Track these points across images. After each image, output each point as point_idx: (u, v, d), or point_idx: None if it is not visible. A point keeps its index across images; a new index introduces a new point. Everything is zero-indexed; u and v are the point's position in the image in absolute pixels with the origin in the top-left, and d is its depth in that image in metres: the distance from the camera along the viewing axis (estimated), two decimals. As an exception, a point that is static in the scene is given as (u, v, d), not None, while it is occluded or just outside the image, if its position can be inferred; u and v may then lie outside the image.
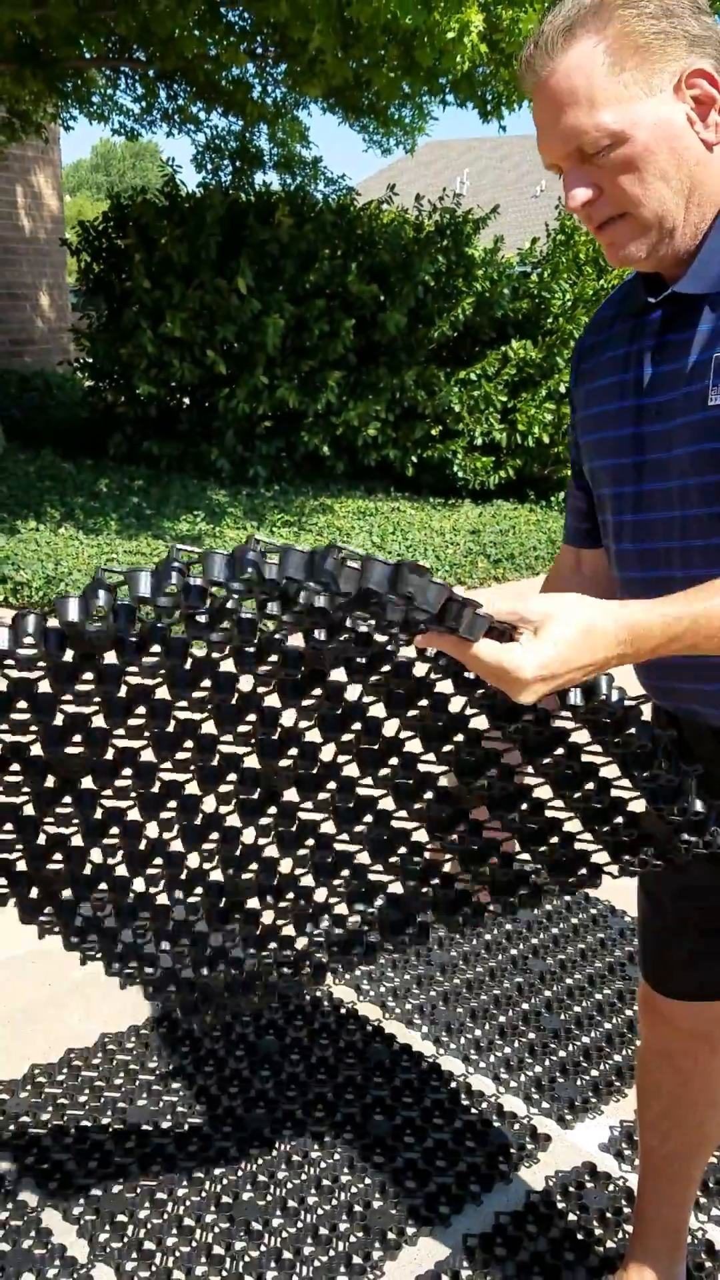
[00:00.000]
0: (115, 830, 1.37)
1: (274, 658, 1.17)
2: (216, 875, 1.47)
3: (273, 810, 1.36)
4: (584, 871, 1.39)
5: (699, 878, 1.42)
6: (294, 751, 1.29)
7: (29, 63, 6.60)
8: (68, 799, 1.31)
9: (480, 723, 1.26)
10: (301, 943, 1.52)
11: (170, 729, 1.24)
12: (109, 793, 1.31)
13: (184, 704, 1.20)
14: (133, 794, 1.32)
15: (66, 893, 1.42)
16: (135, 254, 7.15)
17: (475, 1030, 2.38)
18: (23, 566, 5.30)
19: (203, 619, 1.06)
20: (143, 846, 1.40)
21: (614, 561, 1.39)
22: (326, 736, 1.26)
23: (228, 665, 1.18)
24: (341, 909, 1.50)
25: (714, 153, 1.18)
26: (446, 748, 1.29)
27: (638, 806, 1.33)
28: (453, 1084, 2.21)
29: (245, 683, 1.21)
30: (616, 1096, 2.21)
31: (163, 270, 7.12)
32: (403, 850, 1.40)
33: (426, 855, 1.43)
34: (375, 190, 8.72)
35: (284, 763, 1.30)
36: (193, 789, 1.35)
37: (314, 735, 1.28)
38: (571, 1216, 1.92)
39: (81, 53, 7.14)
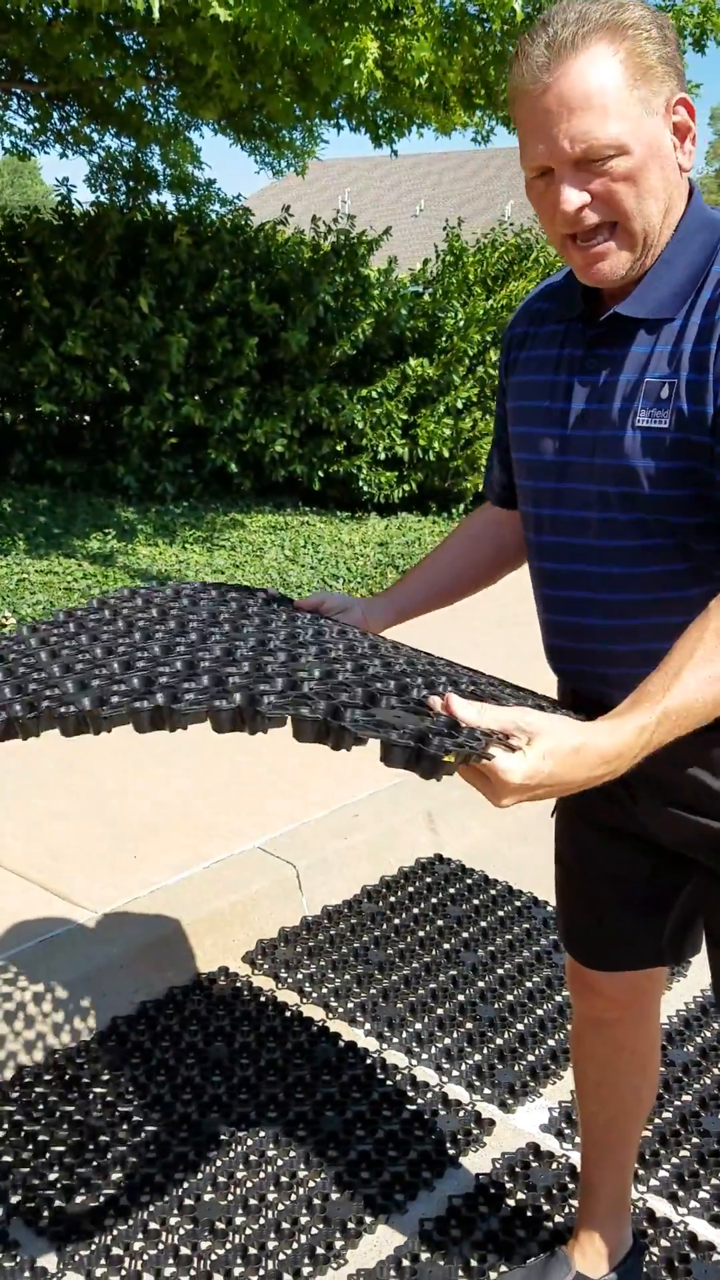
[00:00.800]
0: None
1: None
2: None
3: None
4: None
5: (610, 853, 1.52)
6: None
7: None
8: None
9: None
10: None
11: None
12: None
13: None
14: None
15: None
16: (33, 273, 7.10)
17: (415, 1024, 2.47)
18: (-70, 590, 5.23)
19: None
20: None
21: (532, 551, 1.44)
22: None
23: None
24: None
25: (682, 180, 1.26)
26: None
27: None
28: (398, 1077, 2.29)
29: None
30: (553, 1079, 2.32)
31: (61, 289, 7.08)
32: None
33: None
34: (258, 207, 8.83)
35: None
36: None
37: None
38: (520, 1195, 2.01)
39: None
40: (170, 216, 7.73)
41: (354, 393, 7.61)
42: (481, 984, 2.62)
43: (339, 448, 7.63)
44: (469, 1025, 2.48)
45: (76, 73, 6.28)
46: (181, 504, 7.41)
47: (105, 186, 8.65)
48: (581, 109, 1.17)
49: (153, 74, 7.36)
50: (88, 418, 7.83)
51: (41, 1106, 2.18)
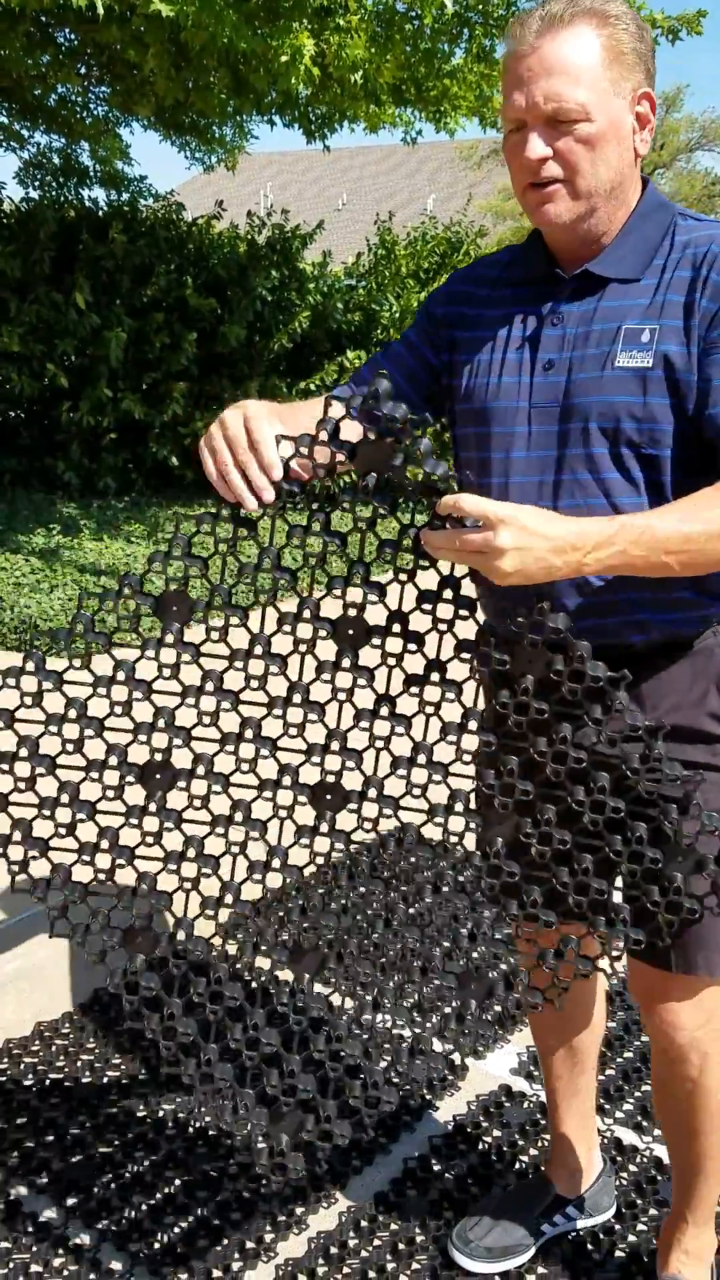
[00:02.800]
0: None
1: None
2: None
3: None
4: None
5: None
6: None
7: None
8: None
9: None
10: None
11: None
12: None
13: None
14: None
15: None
16: (-35, 269, 7.07)
17: (388, 983, 2.59)
18: None
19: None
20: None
21: (489, 496, 1.48)
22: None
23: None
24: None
25: (637, 164, 1.44)
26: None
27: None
28: (376, 1031, 2.41)
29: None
30: (520, 1026, 2.46)
31: (-6, 285, 7.07)
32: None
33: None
34: (184, 200, 8.86)
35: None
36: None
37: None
38: (495, 1133, 2.14)
39: None
40: (103, 212, 7.74)
41: (293, 385, 7.71)
42: (447, 943, 2.75)
43: (279, 441, 7.72)
44: (438, 981, 2.60)
45: (8, 69, 6.27)
46: (123, 499, 7.44)
47: (37, 183, 8.61)
48: (559, 73, 1.36)
49: (84, 71, 7.37)
50: (23, 414, 7.81)
51: (31, 1075, 2.25)
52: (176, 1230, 1.89)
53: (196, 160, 9.38)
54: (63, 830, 1.43)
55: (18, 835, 1.43)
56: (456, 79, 6.35)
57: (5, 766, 1.42)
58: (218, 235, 8.16)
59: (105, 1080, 2.25)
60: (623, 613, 1.45)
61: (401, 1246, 1.86)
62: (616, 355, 1.41)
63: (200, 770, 1.44)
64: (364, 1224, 1.91)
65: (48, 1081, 2.24)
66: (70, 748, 1.42)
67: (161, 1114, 2.15)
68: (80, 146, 8.86)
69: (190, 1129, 2.11)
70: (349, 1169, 2.04)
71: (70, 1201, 1.94)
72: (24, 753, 1.41)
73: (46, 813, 1.42)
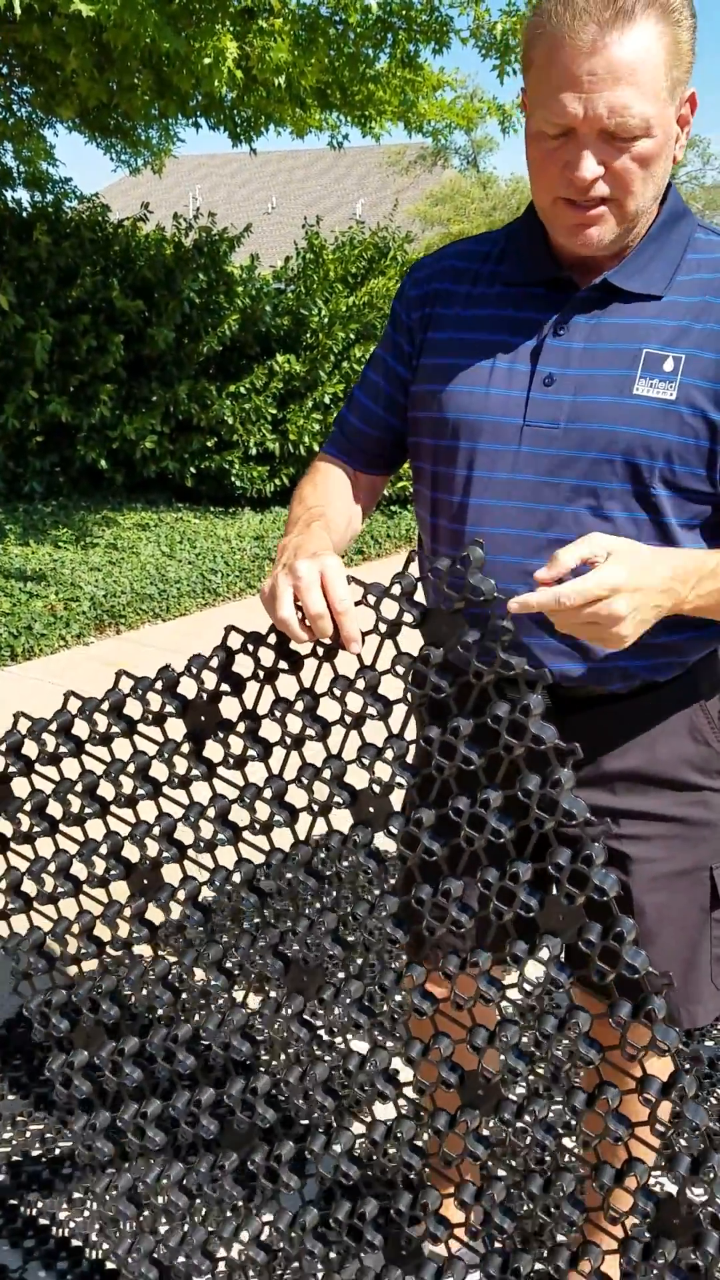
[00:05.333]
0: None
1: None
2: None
3: None
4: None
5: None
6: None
7: None
8: None
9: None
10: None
11: None
12: None
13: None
14: None
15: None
16: None
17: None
18: None
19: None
20: None
21: (451, 512, 1.39)
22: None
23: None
24: None
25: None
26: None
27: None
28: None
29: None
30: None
31: None
32: None
33: None
34: (111, 203, 8.80)
35: None
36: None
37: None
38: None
39: None
40: (27, 214, 7.65)
41: (223, 389, 7.68)
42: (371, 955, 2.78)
43: (210, 443, 7.69)
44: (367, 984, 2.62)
45: None
46: (50, 503, 7.35)
47: (-42, 183, 8.47)
48: (627, 82, 1.14)
49: (5, 71, 7.28)
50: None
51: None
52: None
53: (122, 163, 9.32)
54: (44, 895, 1.41)
55: (3, 884, 1.43)
56: (381, 83, 6.39)
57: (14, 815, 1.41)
58: (144, 237, 8.10)
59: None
60: (601, 658, 1.34)
61: None
62: (636, 381, 1.26)
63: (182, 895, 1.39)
64: None
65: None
66: (70, 819, 1.39)
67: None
68: (4, 147, 8.74)
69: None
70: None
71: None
72: (28, 807, 1.40)
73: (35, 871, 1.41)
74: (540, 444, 1.31)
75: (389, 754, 1.25)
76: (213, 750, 1.39)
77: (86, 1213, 1.88)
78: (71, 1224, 1.86)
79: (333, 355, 8.08)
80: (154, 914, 2.37)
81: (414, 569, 1.22)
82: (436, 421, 1.40)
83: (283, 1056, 2.20)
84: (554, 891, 1.19)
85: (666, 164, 1.23)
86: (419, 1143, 1.62)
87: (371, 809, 1.26)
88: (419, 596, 1.27)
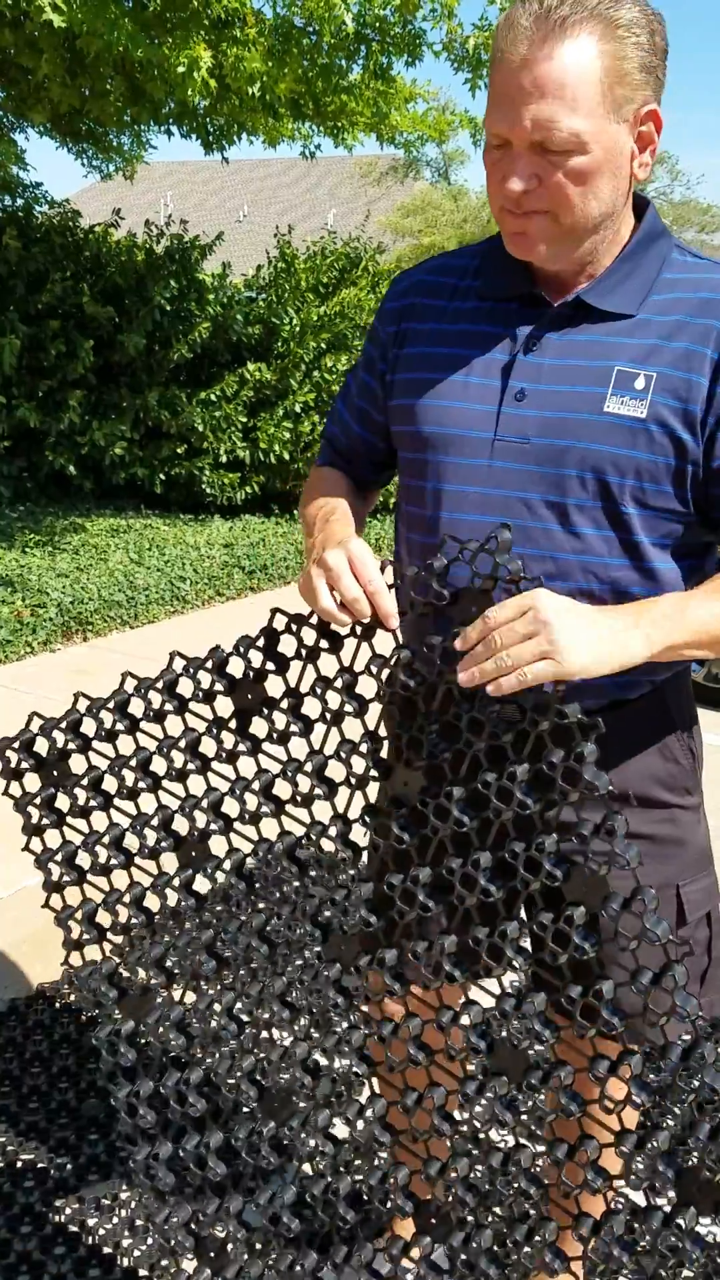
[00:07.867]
0: None
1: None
2: None
3: None
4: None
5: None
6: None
7: None
8: None
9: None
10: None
11: None
12: None
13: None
14: None
15: None
16: None
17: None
18: None
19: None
20: None
21: (432, 528, 1.39)
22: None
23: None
24: None
25: (632, 187, 1.28)
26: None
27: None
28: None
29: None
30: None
31: None
32: None
33: None
34: (82, 208, 8.77)
35: None
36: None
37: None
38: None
39: None
40: (-4, 218, 7.62)
41: (193, 396, 7.67)
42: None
43: (180, 450, 7.68)
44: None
45: None
46: (18, 508, 7.31)
47: (-72, 186, 8.41)
48: (553, 96, 1.16)
49: (-24, 73, 7.24)
50: None
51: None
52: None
53: (94, 169, 9.29)
54: (99, 867, 1.42)
55: (60, 856, 1.44)
56: (354, 95, 6.42)
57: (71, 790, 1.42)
58: (115, 244, 8.09)
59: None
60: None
61: None
62: (607, 399, 1.27)
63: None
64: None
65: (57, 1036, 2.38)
66: (125, 791, 1.41)
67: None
68: (-27, 151, 8.69)
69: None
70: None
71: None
72: (86, 781, 1.41)
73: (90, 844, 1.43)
74: (510, 458, 1.32)
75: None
76: (257, 726, 1.43)
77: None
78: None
79: (304, 364, 8.09)
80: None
81: (441, 557, 1.26)
82: (411, 435, 1.41)
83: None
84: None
85: (612, 182, 1.23)
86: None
87: (405, 783, 1.31)
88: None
